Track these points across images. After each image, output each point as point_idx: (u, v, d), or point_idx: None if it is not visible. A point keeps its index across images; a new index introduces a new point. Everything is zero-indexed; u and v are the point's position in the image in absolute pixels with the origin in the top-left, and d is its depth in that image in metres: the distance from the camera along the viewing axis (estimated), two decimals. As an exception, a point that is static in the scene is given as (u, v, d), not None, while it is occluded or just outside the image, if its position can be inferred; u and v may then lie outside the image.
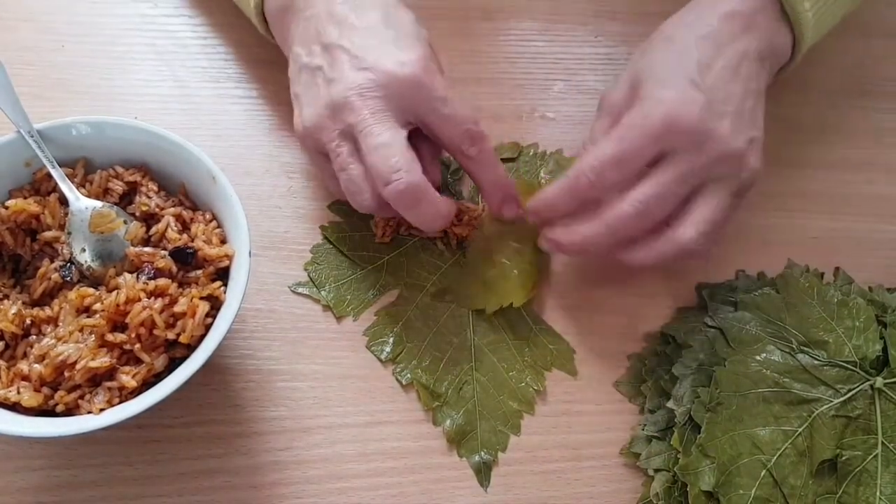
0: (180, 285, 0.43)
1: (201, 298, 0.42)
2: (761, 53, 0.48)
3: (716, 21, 0.47)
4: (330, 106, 0.45)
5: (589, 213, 0.46)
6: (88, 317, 0.41)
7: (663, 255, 0.45)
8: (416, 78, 0.44)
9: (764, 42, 0.48)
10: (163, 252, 0.43)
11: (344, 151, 0.45)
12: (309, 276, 0.50)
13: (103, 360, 0.39)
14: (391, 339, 0.49)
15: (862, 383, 0.46)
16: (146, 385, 0.40)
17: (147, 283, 0.41)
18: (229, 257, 0.43)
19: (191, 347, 0.41)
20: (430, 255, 0.52)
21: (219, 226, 0.46)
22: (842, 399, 0.45)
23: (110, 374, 0.40)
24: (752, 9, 0.48)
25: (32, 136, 0.44)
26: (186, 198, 0.47)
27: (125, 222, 0.45)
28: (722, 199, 0.45)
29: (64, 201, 0.45)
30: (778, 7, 0.49)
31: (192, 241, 0.44)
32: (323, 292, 0.50)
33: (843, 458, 0.44)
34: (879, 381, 0.45)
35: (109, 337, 0.40)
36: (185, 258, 0.43)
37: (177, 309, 0.41)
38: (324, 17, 0.47)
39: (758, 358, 0.46)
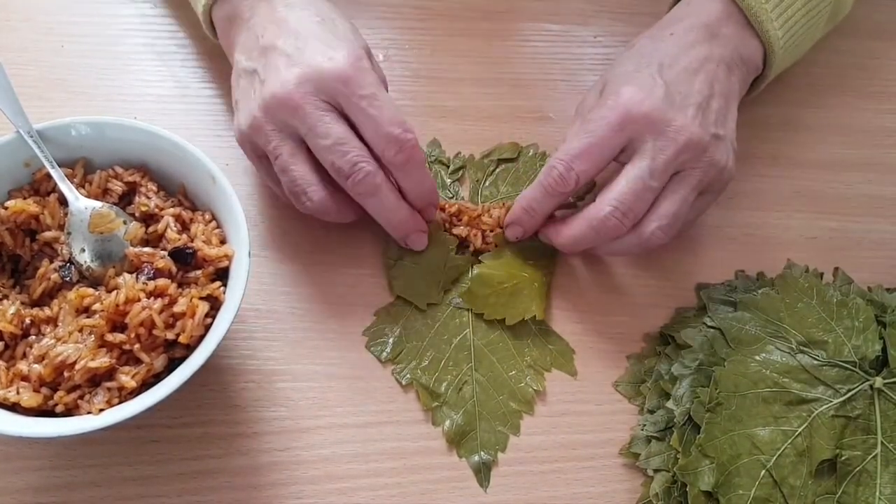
0: (180, 285, 0.43)
1: (201, 299, 0.42)
2: (728, 61, 0.49)
3: (679, 30, 0.49)
4: (263, 106, 0.45)
5: (574, 214, 0.48)
6: (88, 317, 0.41)
7: (627, 248, 0.48)
8: (343, 72, 0.44)
9: (729, 50, 0.49)
10: (162, 252, 0.43)
11: (284, 152, 0.45)
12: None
13: (103, 361, 0.39)
14: (391, 340, 0.49)
15: (861, 383, 0.46)
16: (146, 385, 0.40)
17: (146, 284, 0.41)
18: (229, 257, 0.43)
19: (190, 348, 0.41)
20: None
21: (218, 226, 0.46)
22: (841, 399, 0.45)
23: (110, 374, 0.40)
24: (717, 20, 0.49)
25: (32, 137, 0.44)
26: (186, 198, 0.47)
27: (125, 222, 0.45)
28: (683, 194, 0.46)
29: (63, 201, 0.45)
30: (743, 18, 0.50)
31: (192, 241, 0.44)
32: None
33: (843, 458, 0.44)
34: (879, 381, 0.45)
35: (109, 337, 0.40)
36: (185, 258, 0.43)
37: (176, 309, 0.41)
38: (264, 21, 0.47)
39: (757, 358, 0.46)
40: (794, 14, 0.51)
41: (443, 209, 0.53)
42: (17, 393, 0.39)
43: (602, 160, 0.46)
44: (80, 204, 0.44)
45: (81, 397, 0.39)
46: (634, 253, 0.48)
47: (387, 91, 0.47)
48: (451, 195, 0.55)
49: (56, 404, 0.39)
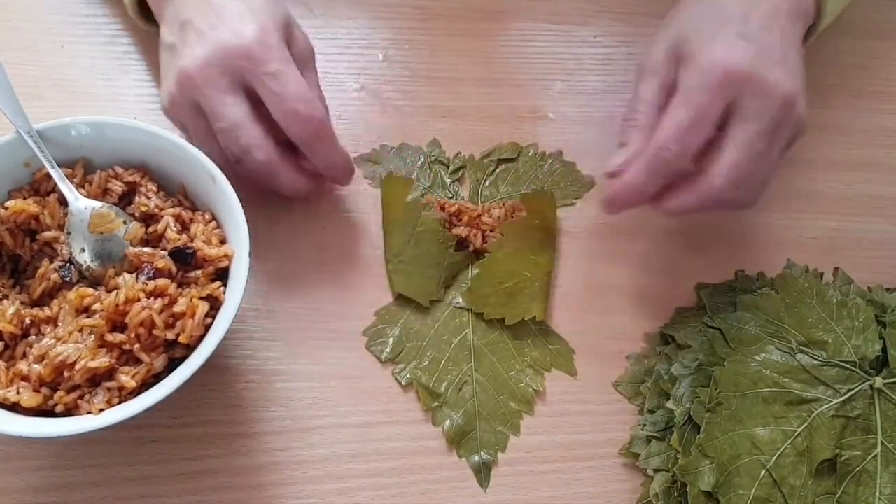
0: (180, 285, 0.43)
1: (201, 299, 0.42)
2: (792, 12, 0.48)
3: None
4: (176, 84, 0.45)
5: (681, 183, 0.46)
6: (88, 317, 0.41)
7: (706, 205, 0.46)
8: (248, 49, 0.44)
9: (793, 2, 0.48)
10: (162, 252, 0.43)
11: (199, 128, 0.46)
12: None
13: (103, 361, 0.39)
14: (391, 340, 0.49)
15: (861, 383, 0.46)
16: (145, 385, 0.40)
17: (146, 284, 0.41)
18: (229, 257, 0.43)
19: (190, 348, 0.41)
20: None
21: (218, 226, 0.45)
22: (841, 399, 0.45)
23: (110, 374, 0.40)
24: None
25: (32, 137, 0.44)
26: (186, 198, 0.47)
27: (124, 222, 0.45)
28: (774, 158, 0.46)
29: (63, 201, 0.45)
30: None
31: (192, 241, 0.44)
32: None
33: (843, 458, 0.44)
34: (879, 381, 0.45)
35: (109, 337, 0.40)
36: (185, 258, 0.43)
37: (176, 309, 0.41)
38: None
39: (757, 358, 0.46)
40: None
41: (442, 208, 0.53)
42: (17, 393, 0.39)
43: (709, 129, 0.44)
44: (80, 204, 0.44)
45: (81, 397, 0.39)
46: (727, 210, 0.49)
47: (313, 61, 0.49)
48: (451, 195, 0.55)
49: (56, 404, 0.39)
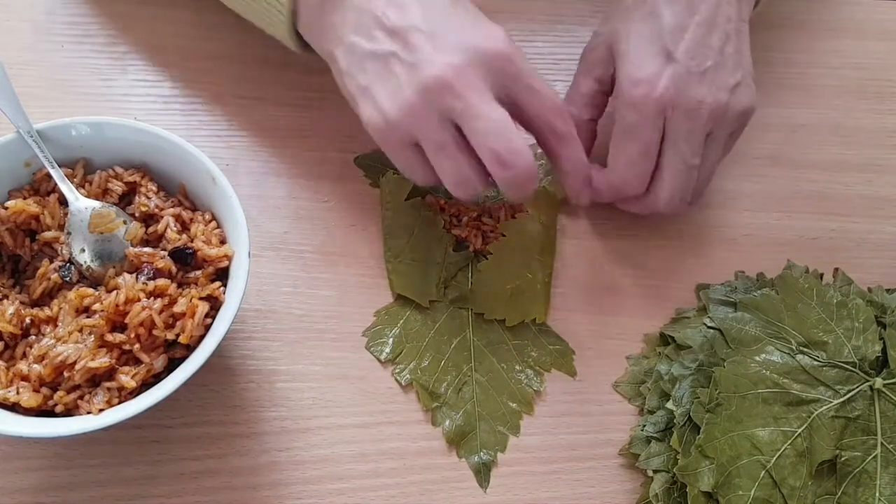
0: (180, 286, 0.43)
1: (201, 299, 0.42)
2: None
3: None
4: (421, 92, 0.41)
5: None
6: (88, 317, 0.41)
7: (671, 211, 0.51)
8: (508, 52, 0.43)
9: None
10: (162, 252, 0.43)
11: (449, 140, 0.42)
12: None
13: (103, 361, 0.39)
14: (390, 340, 0.49)
15: (861, 384, 0.46)
16: (145, 385, 0.40)
17: (146, 284, 0.41)
18: (229, 258, 0.43)
19: (190, 348, 0.41)
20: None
21: (218, 226, 0.46)
22: (841, 400, 0.45)
23: (110, 374, 0.40)
24: None
25: (32, 137, 0.44)
26: (186, 198, 0.47)
27: (125, 223, 0.45)
28: (713, 159, 0.50)
29: (63, 202, 0.45)
30: None
31: (192, 241, 0.44)
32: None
33: (843, 458, 0.44)
34: (879, 382, 0.45)
35: (109, 337, 0.40)
36: (185, 258, 0.43)
37: (176, 309, 0.41)
38: (379, 1, 0.44)
39: (757, 359, 0.46)
40: None
41: (442, 209, 0.53)
42: (17, 393, 0.39)
43: (654, 154, 0.48)
44: (80, 204, 0.44)
45: (81, 397, 0.40)
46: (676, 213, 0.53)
47: None
48: (450, 195, 0.55)
49: (56, 404, 0.39)
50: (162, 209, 0.45)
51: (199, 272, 0.43)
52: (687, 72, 0.46)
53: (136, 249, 0.43)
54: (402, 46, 0.43)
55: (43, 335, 0.41)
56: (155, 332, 0.40)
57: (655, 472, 0.45)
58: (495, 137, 0.41)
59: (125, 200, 0.47)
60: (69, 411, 0.40)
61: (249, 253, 0.42)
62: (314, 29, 0.48)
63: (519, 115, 0.45)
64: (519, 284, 0.50)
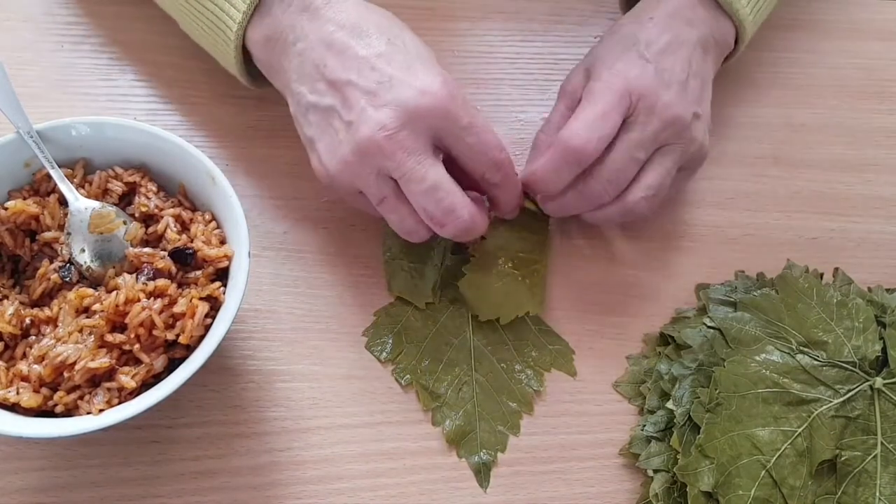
0: (180, 286, 0.43)
1: (201, 299, 0.42)
2: (703, 44, 0.50)
3: (658, 15, 0.50)
4: (356, 152, 0.42)
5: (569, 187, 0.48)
6: (88, 317, 0.41)
7: (612, 216, 0.49)
8: (442, 107, 0.42)
9: (704, 32, 0.50)
10: (162, 253, 0.43)
11: (389, 194, 0.44)
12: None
13: (103, 361, 0.39)
14: (390, 340, 0.49)
15: (861, 384, 0.46)
16: (145, 386, 0.40)
17: (146, 284, 0.41)
18: (229, 258, 0.43)
19: (190, 348, 0.41)
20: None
21: (218, 226, 0.46)
22: (841, 399, 0.45)
23: (110, 374, 0.40)
24: (691, 4, 0.51)
25: (32, 137, 0.44)
26: (186, 198, 0.47)
27: (124, 223, 0.45)
28: (667, 167, 0.48)
29: (63, 202, 0.45)
30: (714, 1, 0.51)
31: (192, 241, 0.44)
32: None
33: (843, 458, 0.44)
34: (879, 382, 0.45)
35: (109, 337, 0.40)
36: (185, 259, 0.43)
37: (176, 309, 0.41)
38: (320, 48, 0.44)
39: (757, 358, 0.46)
40: None
41: None
42: (17, 393, 0.39)
43: (613, 128, 0.46)
44: (80, 204, 0.44)
45: (81, 397, 0.40)
46: (617, 221, 0.51)
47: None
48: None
49: (56, 404, 0.39)
50: (162, 209, 0.45)
51: (199, 272, 0.43)
52: (658, 75, 0.47)
53: (135, 250, 0.43)
54: (340, 102, 0.43)
55: (43, 335, 0.41)
56: (155, 332, 0.40)
57: (655, 471, 0.45)
58: (427, 199, 0.42)
59: (125, 201, 0.47)
60: (69, 412, 0.40)
61: (249, 253, 0.42)
62: (266, 68, 0.49)
63: (460, 164, 0.45)
64: (507, 283, 0.50)
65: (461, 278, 0.50)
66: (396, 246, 0.51)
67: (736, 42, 0.54)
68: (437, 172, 0.43)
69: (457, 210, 0.43)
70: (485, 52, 0.62)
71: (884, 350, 0.47)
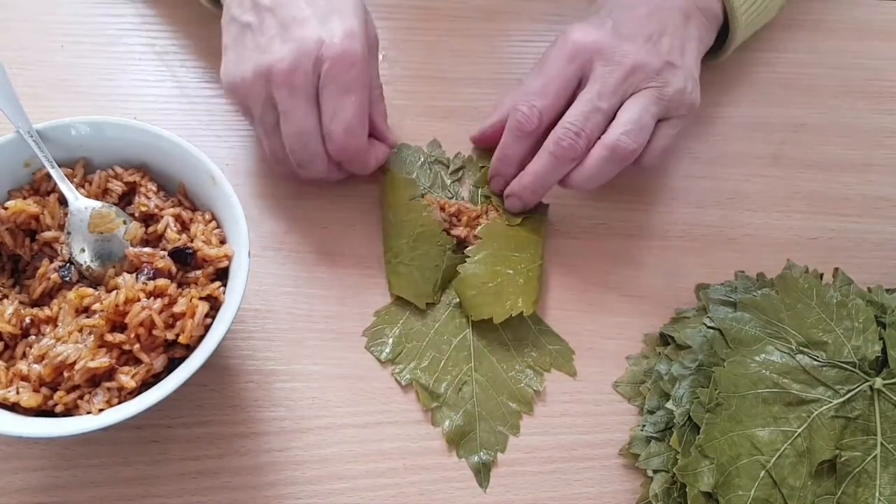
0: (179, 286, 0.43)
1: (200, 299, 0.42)
2: (683, 9, 0.51)
3: None
4: (254, 73, 0.46)
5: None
6: (88, 317, 0.41)
7: (599, 163, 0.48)
8: (336, 57, 0.45)
9: (686, 1, 0.52)
10: (162, 252, 0.43)
11: (269, 122, 0.48)
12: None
13: (102, 361, 0.39)
14: (390, 340, 0.49)
15: (861, 384, 0.46)
16: (145, 385, 0.40)
17: (146, 284, 0.41)
18: (228, 258, 0.43)
19: (190, 348, 0.41)
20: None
21: (218, 226, 0.45)
22: (841, 400, 0.45)
23: (109, 374, 0.40)
24: None
25: (32, 136, 0.44)
26: (186, 198, 0.47)
27: (124, 222, 0.45)
28: (643, 103, 0.48)
29: (63, 201, 0.45)
30: None
31: (192, 241, 0.44)
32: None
33: (843, 458, 0.44)
34: (878, 382, 0.45)
35: (109, 337, 0.40)
36: (185, 258, 0.43)
37: (176, 309, 0.41)
38: None
39: (757, 359, 0.46)
40: None
41: (443, 209, 0.53)
42: (17, 393, 0.39)
43: (561, 93, 0.48)
44: (80, 204, 0.44)
45: (81, 397, 0.40)
46: (609, 169, 0.48)
47: (378, 51, 0.51)
48: (450, 195, 0.55)
49: (56, 404, 0.39)
50: (162, 209, 0.45)
51: (198, 272, 0.43)
52: (616, 31, 0.48)
53: (135, 249, 0.43)
54: (257, 23, 0.47)
55: (43, 335, 0.41)
56: (155, 332, 0.40)
57: (655, 472, 0.45)
58: (296, 141, 0.47)
59: (125, 200, 0.47)
60: (69, 411, 0.39)
61: (249, 253, 0.42)
62: None
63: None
64: (500, 282, 0.50)
65: (456, 280, 0.50)
66: (398, 246, 0.51)
67: (727, 20, 0.54)
68: (310, 122, 0.47)
69: (316, 161, 0.48)
70: (485, 52, 0.62)
71: (883, 350, 0.47)
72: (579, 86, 0.49)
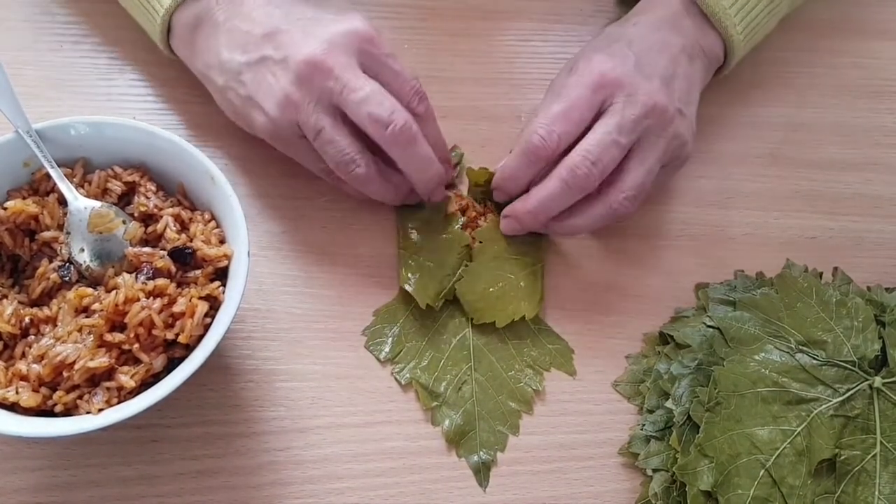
0: (179, 285, 0.43)
1: (200, 298, 0.42)
2: (689, 50, 0.51)
3: (643, 20, 0.52)
4: (295, 81, 0.45)
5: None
6: (87, 317, 0.41)
7: (596, 220, 0.49)
8: (368, 33, 0.46)
9: (690, 40, 0.52)
10: (161, 252, 0.43)
11: (327, 124, 0.45)
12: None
13: (102, 361, 0.39)
14: (390, 339, 0.49)
15: (860, 383, 0.46)
16: (145, 385, 0.40)
17: (146, 283, 0.41)
18: (228, 257, 0.43)
19: (189, 347, 0.41)
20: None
21: (217, 226, 0.45)
22: (840, 399, 0.45)
23: (109, 374, 0.40)
24: (678, 12, 0.52)
25: (31, 136, 0.44)
26: (185, 198, 0.47)
27: (124, 222, 0.45)
28: (649, 165, 0.48)
29: (63, 201, 0.45)
30: (702, 12, 0.52)
31: (191, 241, 0.44)
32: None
33: (842, 457, 0.44)
34: (878, 381, 0.45)
35: (108, 337, 0.40)
36: (184, 258, 0.43)
37: (175, 309, 0.41)
38: (250, 16, 0.47)
39: (756, 358, 0.46)
40: (752, 9, 0.53)
41: (463, 212, 0.53)
42: (17, 393, 0.39)
43: (579, 122, 0.47)
44: (80, 204, 0.44)
45: (80, 397, 0.40)
46: (601, 225, 0.49)
47: None
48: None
49: (55, 404, 0.39)
50: (161, 209, 0.45)
51: (198, 272, 0.43)
52: (639, 67, 0.48)
53: (135, 249, 0.43)
54: (272, 47, 0.46)
55: (42, 335, 0.41)
56: (154, 331, 0.40)
57: (655, 471, 0.45)
58: (371, 104, 0.44)
59: (124, 200, 0.47)
60: (68, 411, 0.39)
61: (249, 252, 0.42)
62: (186, 48, 0.51)
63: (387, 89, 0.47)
64: (502, 286, 0.50)
65: (458, 283, 0.50)
66: (420, 240, 0.51)
67: (726, 57, 0.55)
68: (376, 84, 0.45)
69: (397, 110, 0.45)
70: (484, 52, 0.62)
71: (883, 349, 0.47)
72: (594, 117, 0.48)
